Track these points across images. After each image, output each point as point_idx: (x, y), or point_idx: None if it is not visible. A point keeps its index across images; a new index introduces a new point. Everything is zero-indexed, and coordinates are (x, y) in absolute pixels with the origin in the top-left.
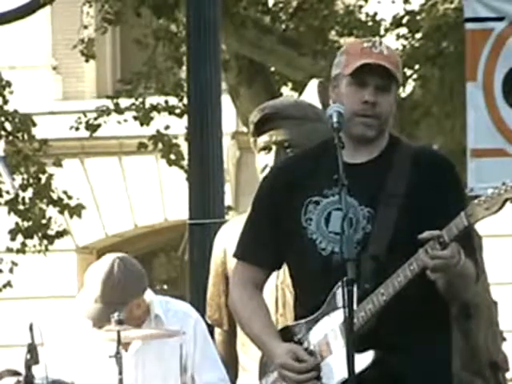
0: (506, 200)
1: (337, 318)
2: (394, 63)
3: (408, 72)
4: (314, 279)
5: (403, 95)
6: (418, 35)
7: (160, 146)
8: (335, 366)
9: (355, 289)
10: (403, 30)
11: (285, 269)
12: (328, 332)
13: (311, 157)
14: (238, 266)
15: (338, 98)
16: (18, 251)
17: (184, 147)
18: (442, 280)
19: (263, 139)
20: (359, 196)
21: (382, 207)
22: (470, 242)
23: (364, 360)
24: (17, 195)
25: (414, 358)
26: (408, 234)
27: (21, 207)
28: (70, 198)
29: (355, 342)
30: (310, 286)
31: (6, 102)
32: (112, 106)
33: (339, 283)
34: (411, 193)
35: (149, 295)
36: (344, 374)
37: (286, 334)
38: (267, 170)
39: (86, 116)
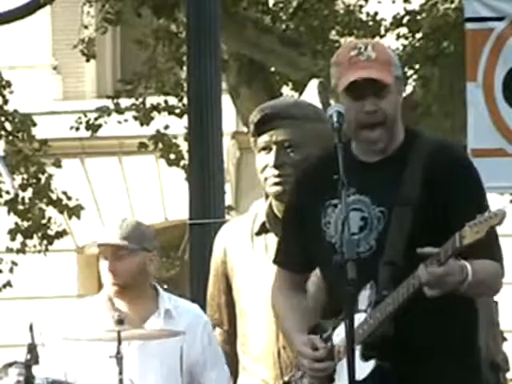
0: (491, 226)
1: (356, 320)
2: (385, 62)
3: (408, 72)
4: (336, 281)
5: (403, 95)
6: (419, 35)
7: (160, 145)
8: (343, 371)
9: (374, 293)
10: (403, 30)
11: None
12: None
13: (329, 158)
14: (277, 270)
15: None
16: (18, 251)
17: (184, 147)
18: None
19: (263, 139)
20: (372, 195)
21: (397, 208)
22: (487, 242)
23: (365, 368)
24: (16, 195)
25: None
26: (424, 236)
27: (20, 207)
28: (69, 198)
29: (367, 347)
30: (333, 287)
31: (6, 101)
32: (112, 106)
33: (363, 284)
34: (426, 193)
35: (158, 289)
36: (348, 380)
37: (316, 330)
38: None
39: (86, 116)
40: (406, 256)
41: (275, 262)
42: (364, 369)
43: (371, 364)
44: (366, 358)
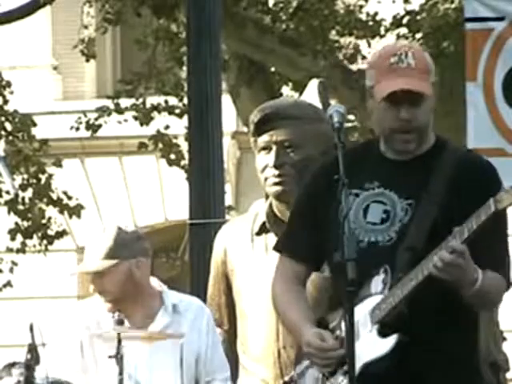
0: None
1: (368, 304)
2: (424, 71)
3: None
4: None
5: None
6: (419, 35)
7: (160, 145)
8: (359, 351)
9: (389, 276)
10: (403, 30)
11: None
12: (359, 318)
13: (355, 155)
14: (279, 260)
15: (373, 108)
16: (18, 251)
17: (184, 147)
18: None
19: (263, 139)
20: (399, 190)
21: (423, 202)
22: (496, 252)
23: (385, 344)
24: (17, 195)
25: (439, 356)
26: (447, 230)
27: (21, 207)
28: (69, 198)
29: (385, 324)
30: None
31: (6, 101)
32: (112, 106)
33: (377, 270)
34: (453, 194)
35: (160, 286)
36: (366, 358)
37: (322, 323)
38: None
39: (86, 116)
40: (427, 243)
41: (278, 249)
42: (384, 344)
43: (393, 339)
44: (383, 335)
